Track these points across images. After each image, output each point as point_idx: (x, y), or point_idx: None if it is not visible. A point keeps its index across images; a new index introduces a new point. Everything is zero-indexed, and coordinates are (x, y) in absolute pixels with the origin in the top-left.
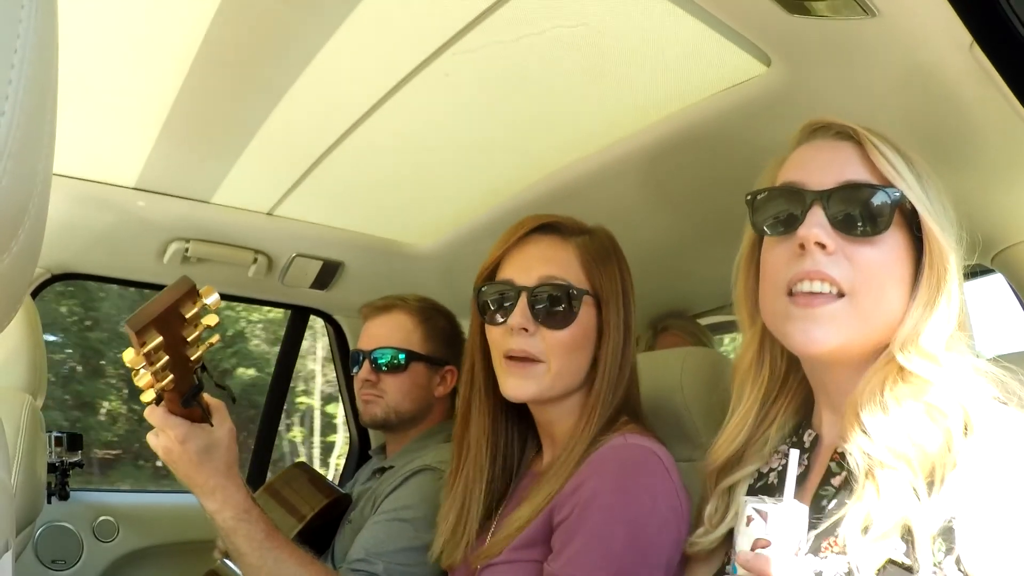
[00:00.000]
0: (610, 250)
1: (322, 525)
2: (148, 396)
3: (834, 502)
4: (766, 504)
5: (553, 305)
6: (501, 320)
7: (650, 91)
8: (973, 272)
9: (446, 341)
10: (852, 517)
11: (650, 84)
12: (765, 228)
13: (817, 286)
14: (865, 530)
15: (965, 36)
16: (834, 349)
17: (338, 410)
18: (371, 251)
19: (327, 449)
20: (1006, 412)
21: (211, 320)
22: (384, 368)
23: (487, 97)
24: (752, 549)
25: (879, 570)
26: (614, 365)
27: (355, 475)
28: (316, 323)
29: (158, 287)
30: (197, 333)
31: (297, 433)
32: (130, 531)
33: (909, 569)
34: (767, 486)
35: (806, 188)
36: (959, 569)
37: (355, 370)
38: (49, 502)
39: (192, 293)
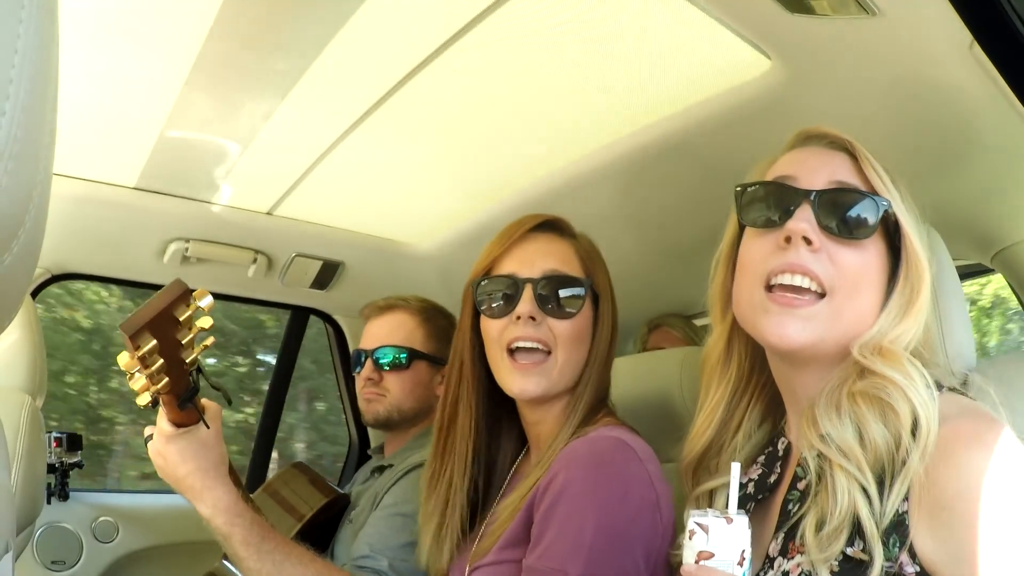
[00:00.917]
0: (597, 251)
1: (321, 525)
2: (144, 399)
3: (799, 506)
4: (707, 518)
5: (559, 295)
6: (507, 311)
7: (651, 90)
8: (972, 271)
9: (447, 341)
10: (808, 517)
11: (651, 84)
12: (752, 220)
13: (798, 280)
14: (818, 528)
15: (965, 35)
16: (806, 346)
17: None
18: (370, 251)
19: None
20: (955, 415)
21: (205, 322)
22: (387, 367)
23: (486, 97)
24: (696, 562)
25: (836, 565)
26: (603, 361)
27: (354, 475)
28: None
29: (158, 287)
30: (191, 335)
31: None
32: (130, 531)
33: (865, 563)
34: (745, 495)
35: (797, 185)
36: (914, 561)
37: (356, 370)
38: (49, 502)
39: (185, 296)
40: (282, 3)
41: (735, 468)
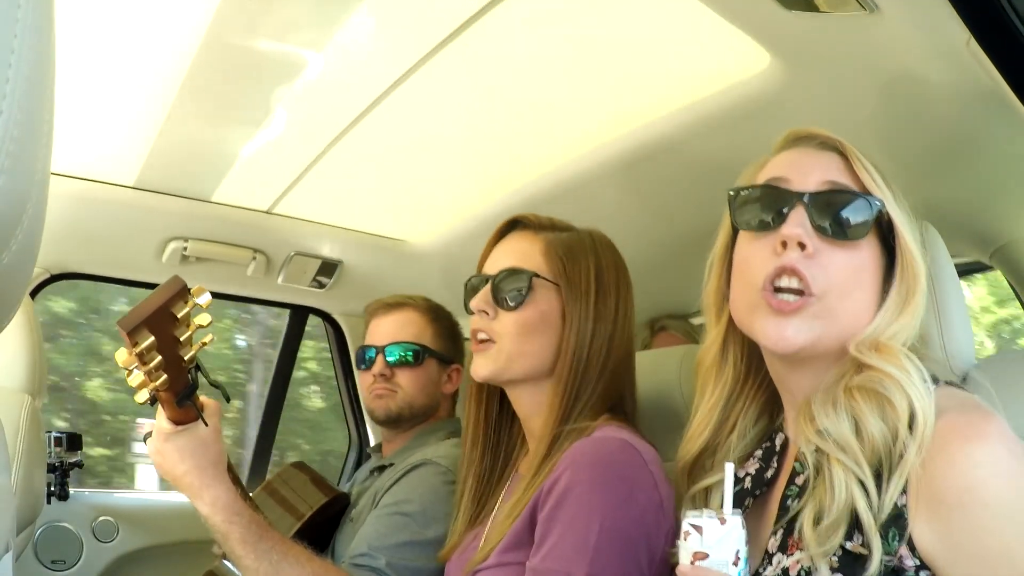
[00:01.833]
0: (588, 246)
1: (321, 524)
2: (142, 396)
3: (797, 501)
4: (701, 519)
5: (509, 289)
6: (470, 309)
7: (649, 88)
8: (971, 268)
9: (451, 340)
10: (806, 511)
11: (649, 82)
12: (746, 224)
13: (794, 282)
14: (816, 521)
15: (963, 32)
16: (803, 347)
17: None
18: (369, 250)
19: None
20: (952, 408)
21: (203, 319)
22: (398, 362)
23: (485, 95)
24: (692, 563)
25: (839, 560)
26: (580, 352)
27: (354, 475)
28: None
29: (157, 287)
30: (189, 333)
31: None
32: (130, 531)
33: (864, 557)
34: (742, 491)
35: (790, 188)
36: (914, 555)
37: (362, 367)
38: (49, 502)
39: (183, 293)
40: (280, 1)
41: (729, 468)
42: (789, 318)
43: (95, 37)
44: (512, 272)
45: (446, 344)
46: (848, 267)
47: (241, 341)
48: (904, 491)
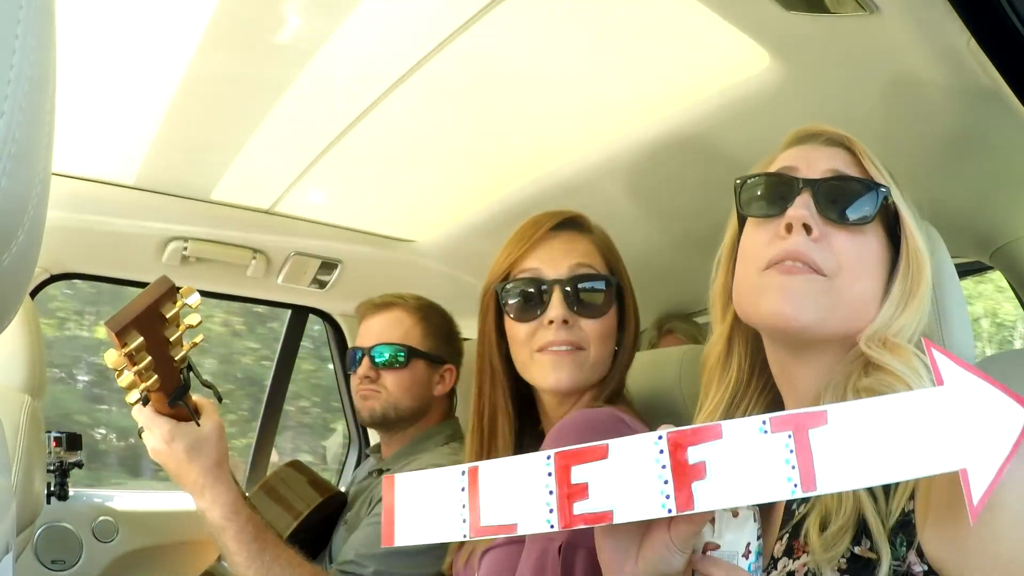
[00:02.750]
0: (613, 245)
1: (318, 523)
2: (133, 396)
3: (802, 504)
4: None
5: (589, 294)
6: (537, 314)
7: (650, 86)
8: (971, 269)
9: (444, 340)
10: (811, 516)
11: (650, 80)
12: (753, 211)
13: (800, 267)
14: (822, 527)
15: (962, 32)
16: (807, 325)
17: None
18: (369, 249)
19: None
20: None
21: (193, 320)
22: (384, 364)
23: (486, 94)
24: (703, 552)
25: (843, 561)
26: (631, 354)
27: (353, 475)
28: None
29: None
30: (179, 333)
31: None
32: (130, 531)
33: (873, 562)
34: None
35: (797, 175)
36: (922, 560)
37: (352, 368)
38: (49, 502)
39: (172, 293)
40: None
41: None
42: (794, 289)
43: (94, 35)
44: (589, 275)
45: (437, 344)
46: (855, 251)
47: None
48: (912, 496)
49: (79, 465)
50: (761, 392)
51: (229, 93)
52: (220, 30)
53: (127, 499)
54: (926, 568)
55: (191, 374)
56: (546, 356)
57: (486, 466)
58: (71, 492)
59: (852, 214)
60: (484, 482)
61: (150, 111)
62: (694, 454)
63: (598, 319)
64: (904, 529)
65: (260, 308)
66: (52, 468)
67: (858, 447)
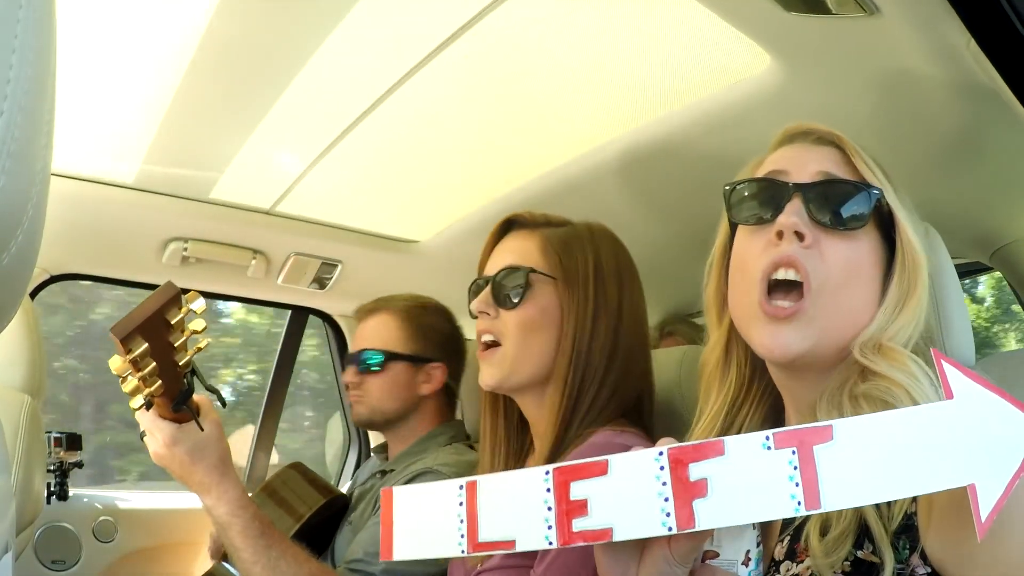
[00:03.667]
0: (585, 238)
1: (320, 525)
2: (136, 402)
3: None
4: None
5: (508, 287)
6: (473, 312)
7: (651, 87)
8: (971, 269)
9: (431, 338)
10: (813, 520)
11: (651, 80)
12: (744, 219)
13: (791, 274)
14: (823, 532)
15: (963, 34)
16: (799, 356)
17: None
18: (369, 249)
19: None
20: None
21: (197, 325)
22: (364, 370)
23: (487, 95)
24: (702, 561)
25: (846, 566)
26: (580, 348)
27: (354, 475)
28: None
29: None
30: (184, 338)
31: None
32: (130, 531)
33: (876, 566)
34: None
35: (787, 179)
36: (925, 563)
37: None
38: (49, 502)
39: (177, 299)
40: None
41: None
42: (783, 326)
43: (92, 33)
44: (510, 270)
45: (423, 343)
46: (847, 258)
47: None
48: (914, 499)
49: (79, 465)
50: (762, 396)
51: (229, 92)
52: (220, 28)
53: (127, 499)
54: (929, 571)
55: (195, 378)
56: (480, 352)
57: (484, 480)
58: (71, 492)
59: (845, 218)
60: (482, 497)
61: (150, 110)
62: (695, 471)
63: (513, 310)
64: (907, 532)
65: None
66: (52, 468)
67: (864, 463)
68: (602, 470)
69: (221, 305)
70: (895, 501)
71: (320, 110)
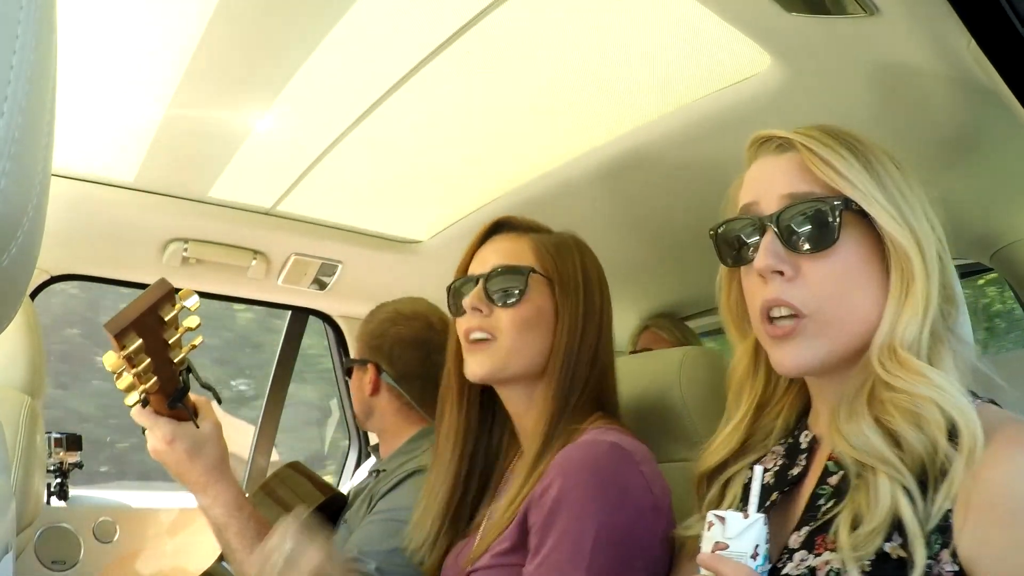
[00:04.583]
0: (570, 245)
1: (318, 524)
2: (132, 398)
3: (831, 501)
4: (727, 512)
5: (504, 286)
6: (462, 309)
7: (650, 89)
8: (971, 270)
9: (369, 341)
10: (843, 515)
11: (650, 82)
12: (730, 263)
13: (785, 311)
14: (854, 526)
15: (963, 34)
16: (810, 367)
17: None
18: (369, 250)
19: None
20: (998, 421)
21: (192, 322)
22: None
23: (487, 97)
24: (713, 551)
25: (872, 564)
26: (571, 350)
27: (354, 474)
28: None
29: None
30: (178, 335)
31: None
32: (130, 531)
33: (903, 560)
34: (765, 487)
35: (758, 212)
36: (954, 561)
37: None
38: (49, 503)
39: (170, 295)
40: None
41: (758, 470)
42: (786, 344)
43: (93, 35)
44: (508, 269)
45: (362, 348)
46: (833, 275)
47: None
48: (947, 500)
49: (79, 465)
50: (787, 400)
51: (229, 91)
52: (220, 28)
53: (127, 499)
54: (957, 569)
55: (190, 376)
56: (468, 347)
57: None
58: (71, 492)
59: (815, 241)
60: None
61: (149, 110)
62: None
63: (510, 308)
64: (942, 530)
65: None
66: (52, 468)
67: None
68: None
69: None
70: (933, 504)
71: (321, 109)
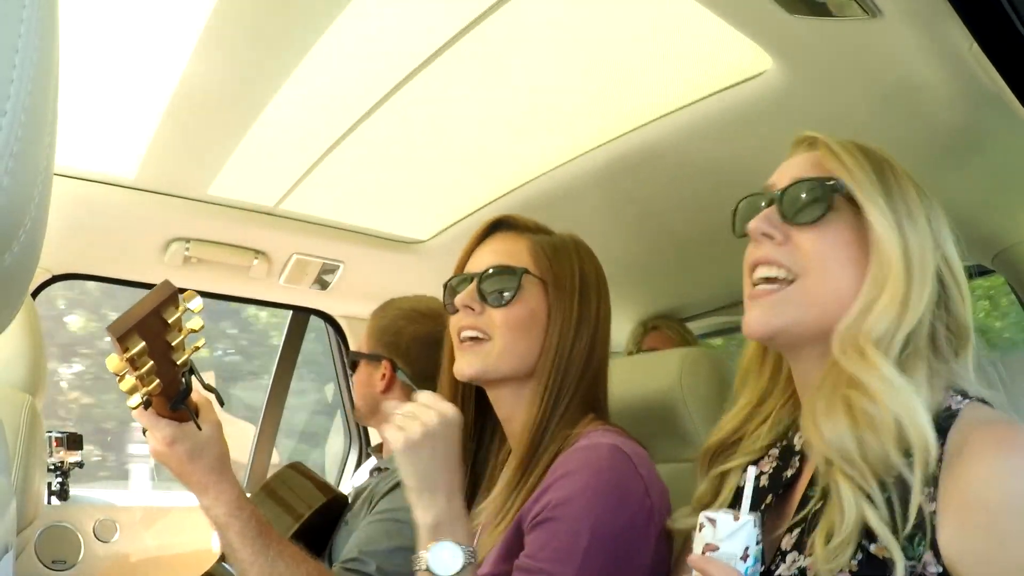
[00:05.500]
0: (569, 247)
1: (319, 524)
2: (134, 401)
3: (820, 503)
4: (717, 513)
5: (498, 285)
6: (455, 307)
7: (651, 89)
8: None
9: (381, 337)
10: (819, 527)
11: (651, 83)
12: (738, 232)
13: (772, 271)
14: (828, 538)
15: (965, 36)
16: (777, 331)
17: None
18: (371, 250)
19: None
20: (984, 420)
21: (195, 324)
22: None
23: (489, 97)
24: (703, 553)
25: (859, 564)
26: (562, 352)
27: (354, 474)
28: None
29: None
30: (182, 337)
31: None
32: (130, 531)
33: (888, 561)
34: (760, 489)
35: (768, 191)
36: (938, 561)
37: None
38: (49, 502)
39: (174, 298)
40: None
41: (751, 471)
42: (758, 305)
43: (94, 34)
44: (502, 269)
45: (376, 343)
46: (819, 245)
47: None
48: (933, 498)
49: (79, 465)
50: (785, 396)
51: (230, 91)
52: (220, 26)
53: (127, 499)
54: (940, 570)
55: (193, 378)
56: (460, 345)
57: None
58: (71, 492)
59: (808, 212)
60: None
61: (149, 108)
62: None
63: (503, 308)
64: (922, 529)
65: None
66: (52, 468)
67: None
68: None
69: None
70: (909, 501)
71: (323, 109)
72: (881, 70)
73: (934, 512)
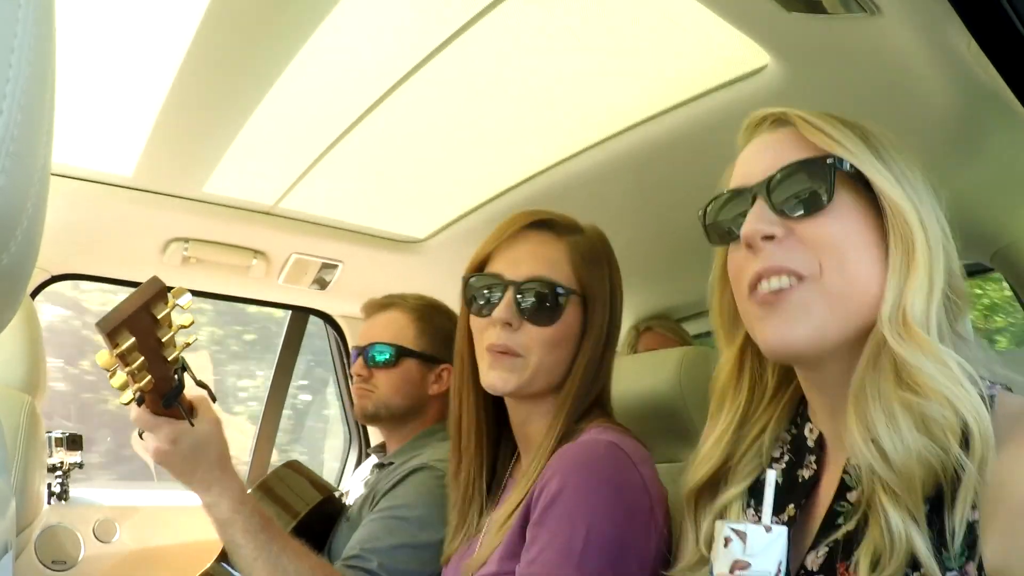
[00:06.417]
0: (600, 251)
1: (317, 522)
2: (126, 397)
3: (852, 521)
4: (745, 525)
5: (539, 303)
6: (486, 313)
7: (649, 87)
8: (972, 270)
9: (442, 340)
10: (863, 550)
11: (650, 80)
12: (718, 240)
13: (777, 282)
14: (874, 565)
15: (963, 34)
16: (806, 346)
17: None
18: (370, 249)
19: None
20: (1012, 401)
21: (185, 320)
22: (375, 364)
23: (488, 93)
24: (731, 571)
25: None
26: (591, 365)
27: (354, 473)
28: None
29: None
30: (171, 333)
31: None
32: (130, 531)
33: None
34: (778, 493)
35: (747, 185)
36: (980, 573)
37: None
38: (49, 503)
39: (162, 293)
40: None
41: (771, 475)
42: (774, 314)
43: (89, 33)
44: (543, 283)
45: (433, 344)
46: (828, 235)
47: None
48: (974, 506)
49: (79, 465)
50: (774, 410)
51: (225, 90)
52: (218, 25)
53: (127, 499)
54: None
55: (185, 374)
56: (489, 355)
57: None
58: (71, 492)
59: (812, 201)
60: None
61: (146, 107)
62: None
63: (543, 327)
64: (967, 540)
65: None
66: (52, 468)
67: None
68: None
69: None
70: (952, 515)
71: (320, 108)
72: (879, 68)
73: (976, 521)
